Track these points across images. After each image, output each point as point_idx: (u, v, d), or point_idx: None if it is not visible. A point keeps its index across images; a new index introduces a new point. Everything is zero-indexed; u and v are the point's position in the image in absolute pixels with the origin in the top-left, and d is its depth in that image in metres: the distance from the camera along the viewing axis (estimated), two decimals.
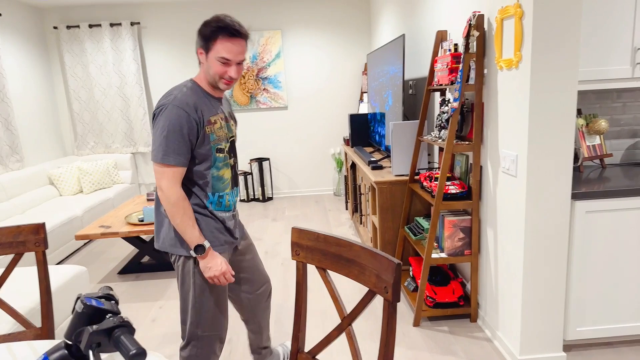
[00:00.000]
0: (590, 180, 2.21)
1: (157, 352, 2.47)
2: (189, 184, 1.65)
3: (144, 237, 4.83)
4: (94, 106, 5.50)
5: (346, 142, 4.97)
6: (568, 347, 2.26)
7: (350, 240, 1.27)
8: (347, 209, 5.12)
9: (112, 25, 5.30)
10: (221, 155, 1.65)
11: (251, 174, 5.75)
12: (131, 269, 3.61)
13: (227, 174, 1.70)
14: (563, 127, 1.89)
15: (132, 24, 5.30)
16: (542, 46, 1.82)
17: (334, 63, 5.63)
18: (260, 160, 5.67)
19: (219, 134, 1.62)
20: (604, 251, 2.10)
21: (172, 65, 5.52)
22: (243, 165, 5.84)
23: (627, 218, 2.07)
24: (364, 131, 4.63)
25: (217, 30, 1.51)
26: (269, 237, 4.31)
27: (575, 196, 2.02)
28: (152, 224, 3.40)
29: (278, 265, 3.61)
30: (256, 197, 5.89)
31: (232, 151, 1.73)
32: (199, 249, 1.59)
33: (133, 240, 3.53)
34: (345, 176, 5.21)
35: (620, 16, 2.11)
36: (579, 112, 2.51)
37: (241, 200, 5.83)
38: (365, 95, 5.33)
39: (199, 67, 1.66)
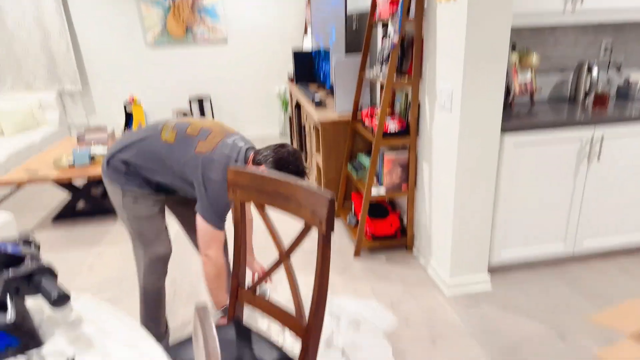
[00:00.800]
0: (519, 115, 2.31)
1: (96, 297, 2.43)
2: (147, 172, 1.68)
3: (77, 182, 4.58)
4: (7, 38, 4.92)
5: (291, 79, 4.84)
6: (493, 269, 2.48)
7: (285, 177, 1.26)
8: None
9: None
10: None
11: (191, 113, 5.50)
12: (66, 215, 3.44)
13: None
14: (497, 61, 1.93)
15: None
16: None
17: None
18: (200, 100, 5.42)
19: None
20: (529, 181, 2.25)
21: None
22: (182, 103, 5.56)
23: (550, 149, 2.21)
24: (308, 68, 4.51)
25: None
26: None
27: (505, 129, 2.11)
28: (84, 168, 3.21)
29: None
30: None
31: None
32: (225, 310, 1.72)
33: (65, 185, 3.33)
34: (289, 117, 5.13)
35: None
36: (514, 47, 2.57)
37: None
38: (309, 28, 5.14)
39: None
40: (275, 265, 1.34)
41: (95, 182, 3.50)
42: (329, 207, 1.12)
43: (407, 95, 2.60)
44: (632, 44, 2.73)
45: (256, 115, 5.79)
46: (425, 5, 2.23)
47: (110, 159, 1.71)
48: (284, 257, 1.29)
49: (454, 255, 2.25)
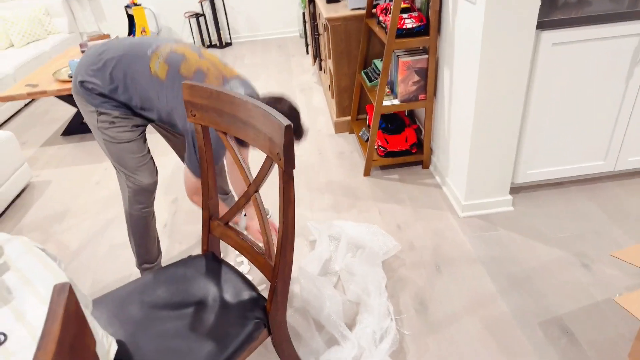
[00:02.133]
0: (565, 6, 1.87)
1: (100, 215, 2.42)
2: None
3: None
4: None
5: None
6: (516, 190, 2.23)
7: (243, 97, 1.03)
8: (307, 52, 4.69)
9: None
10: None
11: (203, 15, 5.10)
12: (74, 129, 3.38)
13: None
14: None
15: None
16: None
17: None
18: (212, 0, 4.97)
19: None
20: (568, 88, 1.89)
21: None
22: (193, 5, 5.14)
23: (598, 48, 1.81)
24: None
25: None
26: None
27: (543, 25, 1.72)
28: None
29: None
30: (213, 43, 5.34)
31: None
32: (241, 223, 1.76)
33: (68, 98, 3.22)
34: (303, 13, 4.64)
35: None
36: None
37: None
38: None
39: None
40: (245, 201, 1.17)
41: None
42: (286, 138, 0.90)
43: None
44: None
45: (273, 14, 5.29)
46: None
47: (83, 81, 1.50)
48: (251, 190, 1.11)
49: (471, 173, 2.01)
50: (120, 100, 1.51)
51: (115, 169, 1.66)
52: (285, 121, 0.90)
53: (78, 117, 3.34)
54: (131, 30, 3.97)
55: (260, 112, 0.98)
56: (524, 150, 2.03)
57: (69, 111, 3.87)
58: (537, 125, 1.97)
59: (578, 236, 1.91)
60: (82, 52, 3.62)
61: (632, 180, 2.22)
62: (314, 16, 3.72)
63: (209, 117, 1.15)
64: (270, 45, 5.18)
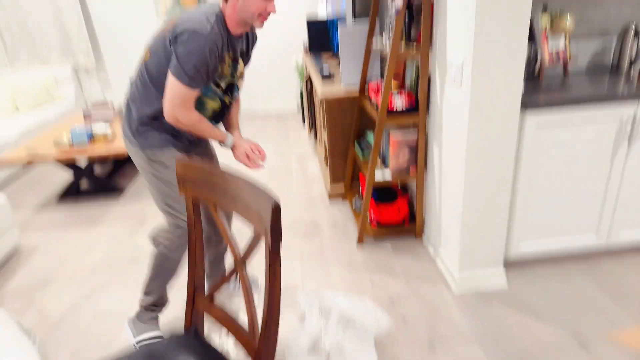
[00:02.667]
0: (548, 89, 1.98)
1: (86, 282, 2.35)
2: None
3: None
4: (21, 13, 4.85)
5: (306, 49, 4.55)
6: (511, 266, 2.21)
7: (236, 172, 1.06)
8: (303, 122, 4.85)
9: None
10: (215, 88, 1.62)
11: None
12: (69, 195, 3.39)
13: (212, 105, 1.66)
14: (516, 25, 1.61)
15: None
16: None
17: None
18: None
19: (224, 72, 1.60)
20: (555, 166, 1.94)
21: None
22: None
23: (582, 130, 1.88)
24: (322, 37, 4.19)
25: None
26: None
27: (527, 106, 1.80)
28: (83, 147, 3.11)
29: None
30: None
31: (230, 90, 1.68)
32: (227, 144, 1.69)
33: (68, 164, 3.26)
34: (301, 89, 4.87)
35: None
36: (545, 8, 2.20)
37: None
38: None
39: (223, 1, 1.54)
40: (231, 274, 1.15)
41: (99, 160, 3.42)
42: (273, 215, 0.91)
43: (418, 67, 2.30)
44: None
45: (272, 89, 5.54)
46: None
47: (129, 126, 1.65)
48: (238, 266, 1.10)
49: (464, 246, 2.00)
50: (157, 125, 1.63)
51: (167, 212, 1.69)
52: (274, 199, 0.91)
53: (75, 182, 3.37)
54: None
55: (250, 188, 1.00)
56: (516, 223, 2.04)
57: (67, 177, 3.90)
58: (527, 200, 2.00)
59: (575, 315, 1.86)
60: (85, 119, 3.73)
61: (627, 256, 2.21)
62: (310, 92, 3.90)
63: (200, 191, 1.17)
64: (270, 117, 5.36)
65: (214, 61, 1.50)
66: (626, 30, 2.19)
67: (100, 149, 3.02)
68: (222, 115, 1.74)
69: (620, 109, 1.85)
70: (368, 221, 2.53)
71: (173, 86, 1.49)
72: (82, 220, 3.03)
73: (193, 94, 1.52)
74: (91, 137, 3.17)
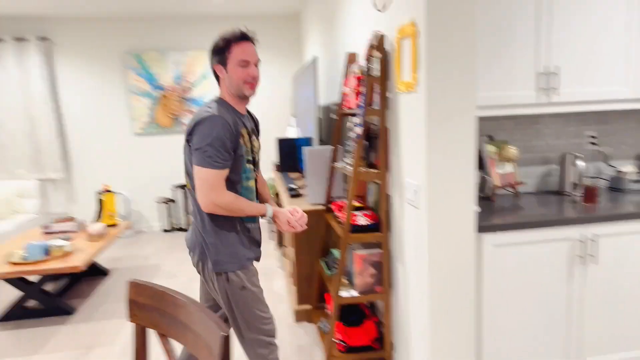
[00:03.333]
0: (500, 210, 2.09)
1: None
2: None
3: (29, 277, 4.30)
4: None
5: (277, 167, 4.73)
6: None
7: (187, 298, 1.02)
8: (273, 239, 4.84)
9: (17, 40, 4.83)
10: (249, 166, 1.69)
11: (174, 201, 5.35)
12: (14, 314, 3.12)
13: (253, 186, 1.74)
14: (463, 155, 1.76)
15: (40, 39, 4.86)
16: (437, 68, 1.69)
17: (265, 84, 5.43)
18: (184, 187, 5.30)
19: (247, 146, 1.67)
20: (516, 288, 1.96)
21: (88, 83, 5.10)
22: (165, 192, 5.44)
23: (536, 250, 1.95)
24: (293, 156, 4.42)
25: (229, 40, 1.60)
26: (185, 272, 3.94)
27: (483, 229, 1.88)
28: (37, 262, 2.96)
29: None
30: (180, 226, 5.47)
31: (255, 165, 1.77)
32: (268, 215, 1.71)
33: (16, 281, 3.06)
34: None
35: (521, 40, 2.05)
36: (491, 139, 2.43)
37: (164, 231, 5.40)
38: (294, 117, 5.16)
39: (218, 87, 1.73)
40: None
41: (51, 276, 3.23)
42: (222, 348, 0.86)
43: (380, 187, 2.41)
44: (618, 134, 2.59)
45: None
46: (390, 95, 2.12)
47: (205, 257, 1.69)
48: None
49: None
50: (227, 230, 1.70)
51: (250, 340, 1.68)
52: (223, 330, 0.87)
53: (21, 301, 3.13)
54: (99, 215, 4.06)
55: (200, 316, 0.96)
56: (485, 347, 1.98)
57: (13, 295, 3.63)
58: (494, 323, 1.97)
59: None
60: (45, 233, 3.61)
61: None
62: (278, 206, 3.97)
63: (150, 318, 1.11)
64: None
65: (231, 136, 1.57)
66: (564, 158, 2.42)
67: (55, 265, 2.88)
68: (257, 193, 1.83)
69: (567, 231, 1.95)
70: (336, 344, 2.40)
71: (198, 174, 1.55)
72: (23, 346, 2.75)
73: (219, 174, 1.56)
74: (47, 252, 3.03)
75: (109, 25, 5.04)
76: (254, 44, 1.65)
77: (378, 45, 2.05)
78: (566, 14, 2.06)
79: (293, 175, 4.19)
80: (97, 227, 3.46)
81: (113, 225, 3.85)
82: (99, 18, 4.99)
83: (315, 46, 4.40)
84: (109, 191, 3.83)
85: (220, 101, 1.65)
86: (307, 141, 4.03)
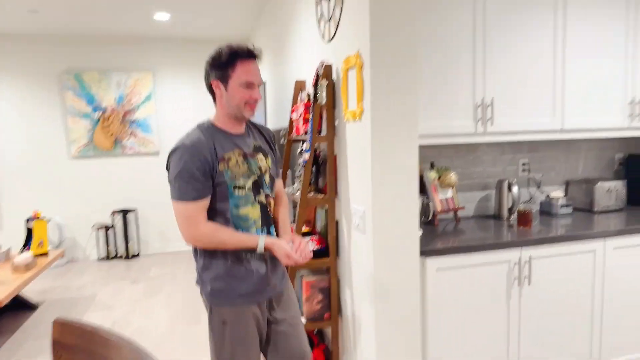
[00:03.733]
0: (442, 234, 2.16)
1: None
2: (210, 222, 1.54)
3: None
4: None
5: None
6: None
7: (121, 337, 0.95)
8: None
9: None
10: (241, 192, 1.52)
11: (112, 227, 5.07)
12: None
13: (252, 212, 1.56)
14: (407, 181, 1.81)
15: None
16: (382, 98, 1.74)
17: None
18: (124, 212, 5.05)
19: (234, 171, 1.51)
20: (460, 309, 2.01)
21: (21, 104, 4.78)
22: (104, 218, 5.15)
23: (476, 273, 2.02)
24: None
25: (234, 56, 1.46)
26: (122, 303, 3.71)
27: (425, 253, 1.92)
28: None
29: None
30: (119, 254, 5.18)
31: (259, 188, 1.57)
32: (259, 249, 1.51)
33: None
34: None
35: (460, 73, 2.17)
36: (432, 166, 2.52)
37: (100, 259, 5.08)
38: None
39: (213, 104, 1.58)
40: None
41: None
42: None
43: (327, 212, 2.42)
44: (548, 162, 2.79)
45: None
46: (337, 122, 2.16)
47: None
48: None
49: None
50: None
51: None
52: None
53: None
54: (27, 243, 3.76)
55: (135, 358, 0.89)
56: None
57: None
58: (439, 345, 2.00)
59: None
60: None
61: None
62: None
63: (77, 358, 1.02)
64: (182, 257, 5.14)
65: (203, 165, 1.44)
66: (501, 184, 2.56)
67: None
68: (270, 221, 1.62)
69: (505, 254, 2.05)
70: None
71: (173, 208, 1.47)
72: None
73: (194, 206, 1.45)
74: None
75: (46, 43, 4.79)
76: (258, 61, 1.52)
77: (325, 74, 2.09)
78: (500, 49, 2.21)
79: None
80: (23, 257, 3.19)
81: (43, 254, 3.57)
82: (34, 35, 4.74)
83: (264, 72, 4.42)
84: (39, 218, 3.56)
85: (201, 126, 1.53)
86: None
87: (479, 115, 2.22)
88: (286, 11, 3.24)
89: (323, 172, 2.40)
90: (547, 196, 2.63)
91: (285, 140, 2.75)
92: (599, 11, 2.35)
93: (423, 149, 2.52)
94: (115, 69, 5.00)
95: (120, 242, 5.17)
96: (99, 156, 5.05)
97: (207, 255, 1.53)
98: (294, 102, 2.62)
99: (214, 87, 1.52)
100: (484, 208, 2.67)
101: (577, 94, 2.36)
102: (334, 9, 2.07)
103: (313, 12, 2.46)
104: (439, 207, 2.38)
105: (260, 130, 1.68)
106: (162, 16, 4.19)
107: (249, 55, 1.48)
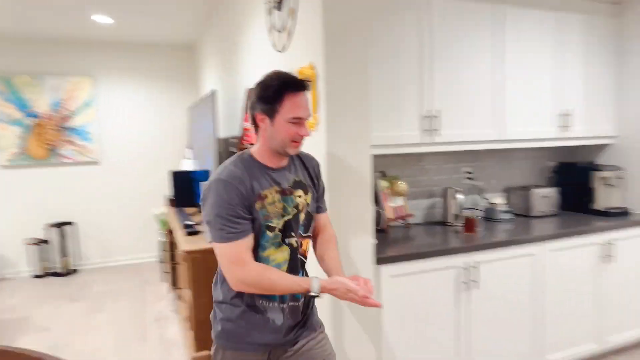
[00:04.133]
0: (393, 242, 2.22)
1: None
2: None
3: None
4: None
5: (171, 202, 4.47)
6: None
7: (41, 357, 0.89)
8: (167, 280, 4.53)
9: None
10: (270, 233, 1.38)
11: (47, 242, 4.73)
12: None
13: (277, 256, 1.41)
14: (361, 190, 1.84)
15: None
16: (336, 109, 1.77)
17: (157, 115, 5.18)
18: (61, 225, 4.73)
19: (270, 210, 1.38)
20: (414, 314, 2.07)
21: None
22: (37, 232, 4.80)
23: (427, 278, 2.09)
24: (189, 190, 4.22)
25: (282, 89, 1.32)
26: (61, 325, 3.46)
27: (379, 261, 1.97)
28: None
29: None
30: (55, 271, 4.84)
31: (291, 230, 1.42)
32: (314, 290, 1.36)
33: None
34: (164, 242, 4.65)
35: (408, 85, 2.25)
36: (383, 174, 2.59)
37: (34, 277, 4.72)
38: (191, 149, 4.98)
39: (255, 134, 1.42)
40: None
41: None
42: None
43: None
44: (488, 170, 2.95)
45: (130, 241, 5.18)
46: None
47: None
48: None
49: None
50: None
51: None
52: None
53: None
54: None
55: None
56: None
57: None
58: (395, 351, 2.04)
59: None
60: None
61: None
62: (172, 245, 3.74)
63: None
64: (126, 270, 4.89)
65: (242, 200, 1.32)
66: (446, 192, 2.67)
67: None
68: (300, 265, 1.47)
69: (452, 259, 2.14)
70: None
71: (219, 253, 1.34)
72: None
73: (237, 246, 1.32)
74: None
75: None
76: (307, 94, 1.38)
77: None
78: (445, 63, 2.32)
79: (189, 210, 3.99)
80: None
81: None
82: None
83: (214, 79, 4.34)
84: None
85: (242, 157, 1.40)
86: (204, 174, 3.90)
87: (426, 126, 2.31)
88: (236, 18, 3.21)
89: None
90: (490, 203, 2.78)
91: (237, 149, 2.71)
92: (532, 30, 2.54)
93: (374, 158, 2.58)
94: (50, 72, 4.70)
95: (56, 257, 4.83)
96: (33, 166, 4.71)
97: (224, 292, 1.44)
98: (246, 110, 2.59)
99: (257, 121, 1.38)
100: (432, 215, 2.77)
101: (515, 106, 2.53)
102: (286, 21, 2.08)
103: (263, 21, 2.45)
104: (390, 215, 2.45)
105: (303, 161, 1.51)
106: (103, 19, 4.00)
107: (299, 87, 1.35)
